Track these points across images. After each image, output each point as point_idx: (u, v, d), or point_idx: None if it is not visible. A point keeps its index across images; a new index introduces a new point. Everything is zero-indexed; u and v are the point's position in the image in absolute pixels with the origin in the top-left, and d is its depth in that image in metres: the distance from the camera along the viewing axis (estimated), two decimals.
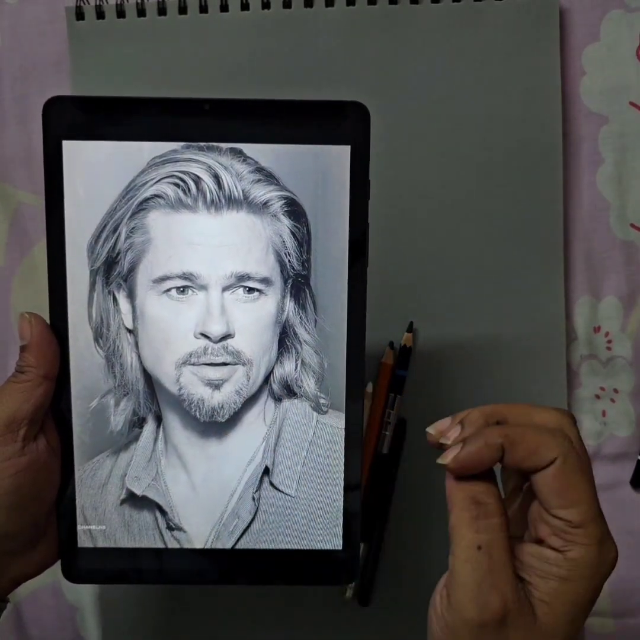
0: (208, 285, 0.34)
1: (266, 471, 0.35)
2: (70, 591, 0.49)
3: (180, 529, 0.36)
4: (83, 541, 0.35)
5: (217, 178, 0.34)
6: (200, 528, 0.36)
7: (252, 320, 0.35)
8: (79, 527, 0.35)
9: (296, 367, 0.35)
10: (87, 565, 0.36)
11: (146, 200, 0.34)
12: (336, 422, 0.35)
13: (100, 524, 0.36)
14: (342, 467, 0.36)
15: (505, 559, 0.29)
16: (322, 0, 0.46)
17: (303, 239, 0.34)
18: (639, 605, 0.49)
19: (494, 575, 0.29)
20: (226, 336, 0.34)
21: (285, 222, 0.34)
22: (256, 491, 0.36)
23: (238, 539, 0.36)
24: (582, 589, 0.29)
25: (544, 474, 0.30)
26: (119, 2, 0.46)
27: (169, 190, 0.34)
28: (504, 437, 0.30)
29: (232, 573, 0.36)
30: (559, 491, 0.29)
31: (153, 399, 0.36)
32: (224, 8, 0.46)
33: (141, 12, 0.46)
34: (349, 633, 0.48)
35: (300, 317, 0.35)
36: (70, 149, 0.33)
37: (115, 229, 0.34)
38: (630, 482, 0.49)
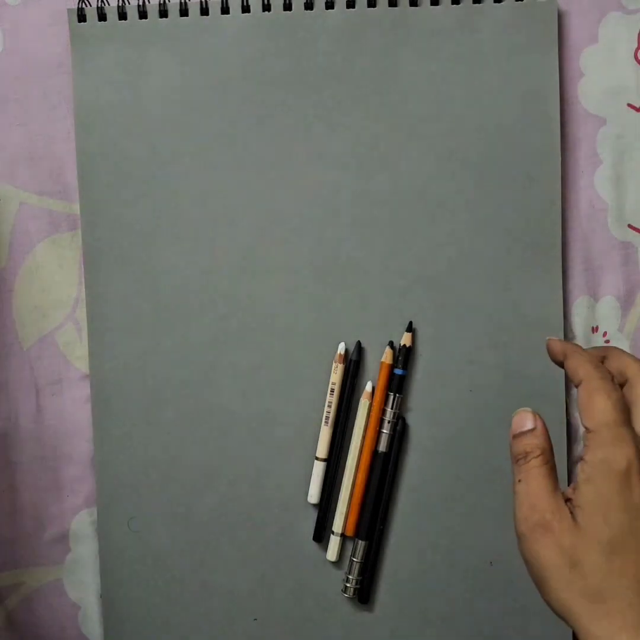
0: None
1: None
2: (72, 589, 0.49)
3: None
4: None
5: None
6: None
7: None
8: None
9: None
10: None
11: None
12: None
13: None
14: None
15: (542, 484, 0.36)
16: (322, 2, 0.47)
17: None
18: None
19: (531, 497, 0.36)
20: None
21: None
22: None
23: None
24: (604, 488, 0.34)
25: (578, 391, 0.36)
26: (120, 4, 0.46)
27: None
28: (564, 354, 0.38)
29: None
30: (582, 405, 0.36)
31: None
32: (225, 10, 0.46)
33: (142, 14, 0.46)
34: (349, 633, 0.48)
35: None
36: None
37: None
38: None
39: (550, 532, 0.35)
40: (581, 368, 0.37)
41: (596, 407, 0.36)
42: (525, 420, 0.38)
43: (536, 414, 0.38)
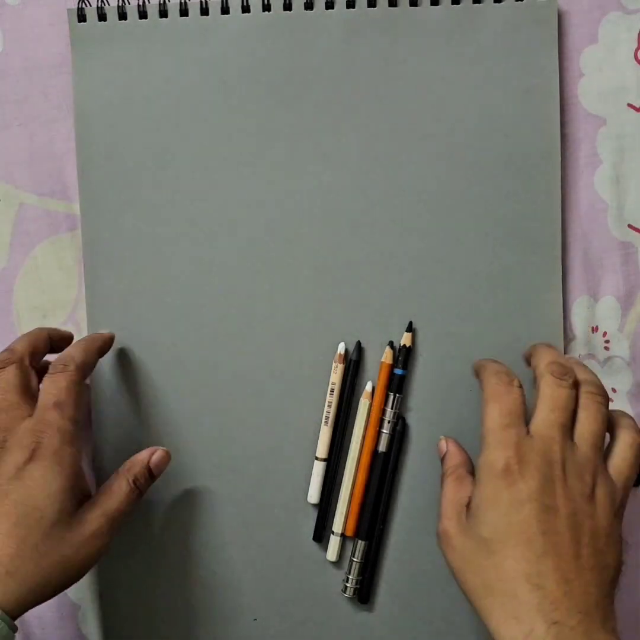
0: None
1: None
2: (72, 589, 0.49)
3: None
4: None
5: None
6: None
7: None
8: None
9: None
10: None
11: None
12: None
13: None
14: None
15: (448, 496, 0.41)
16: (322, 2, 0.47)
17: None
18: (638, 605, 0.49)
19: (441, 509, 0.41)
20: None
21: None
22: None
23: None
24: (487, 489, 0.38)
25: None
26: (120, 4, 0.46)
27: None
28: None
29: None
30: (482, 410, 0.40)
31: None
32: (225, 10, 0.46)
33: (143, 14, 0.46)
34: (349, 633, 0.48)
35: None
36: None
37: None
38: None
39: (448, 537, 0.39)
40: (484, 378, 0.41)
41: (486, 413, 0.39)
42: (441, 447, 0.45)
43: (448, 438, 0.45)
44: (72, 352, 0.42)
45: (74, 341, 0.45)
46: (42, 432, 0.38)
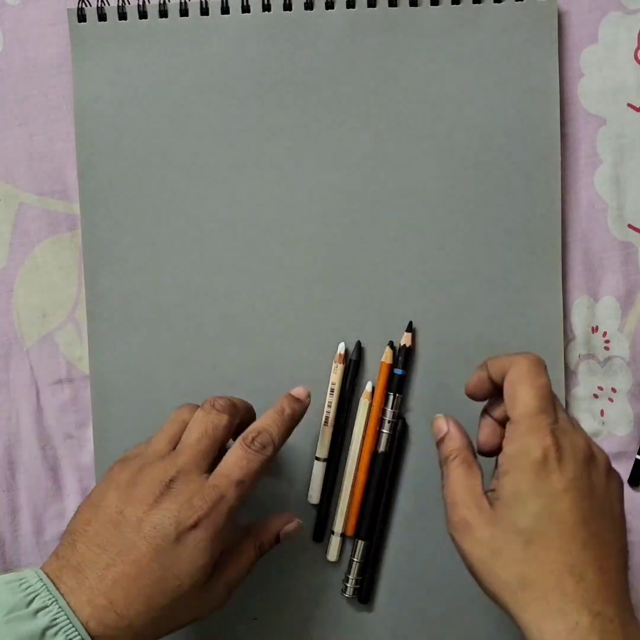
0: None
1: None
2: None
3: None
4: None
5: None
6: None
7: None
8: None
9: None
10: None
11: None
12: None
13: None
14: None
15: (460, 483, 0.38)
16: (322, 2, 0.47)
17: None
18: (638, 604, 0.49)
19: (451, 497, 0.38)
20: None
21: None
22: None
23: None
24: (519, 479, 0.35)
25: (505, 385, 0.38)
26: (120, 4, 0.46)
27: None
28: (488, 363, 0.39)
29: None
30: (508, 395, 0.37)
31: None
32: (225, 10, 0.46)
33: (142, 14, 0.46)
34: (349, 632, 0.48)
35: None
36: None
37: None
38: (628, 481, 0.49)
39: (469, 528, 0.36)
40: (514, 361, 0.38)
41: (517, 397, 0.37)
42: (440, 426, 0.40)
43: (449, 417, 0.40)
44: (273, 432, 0.39)
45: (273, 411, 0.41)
46: (215, 503, 0.36)
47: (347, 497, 0.47)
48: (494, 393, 0.39)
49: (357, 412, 0.47)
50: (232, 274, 0.47)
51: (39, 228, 0.48)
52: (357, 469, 0.47)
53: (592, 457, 0.37)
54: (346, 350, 0.47)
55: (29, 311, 0.48)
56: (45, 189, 0.48)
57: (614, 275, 0.49)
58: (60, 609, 0.33)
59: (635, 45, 0.48)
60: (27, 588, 0.34)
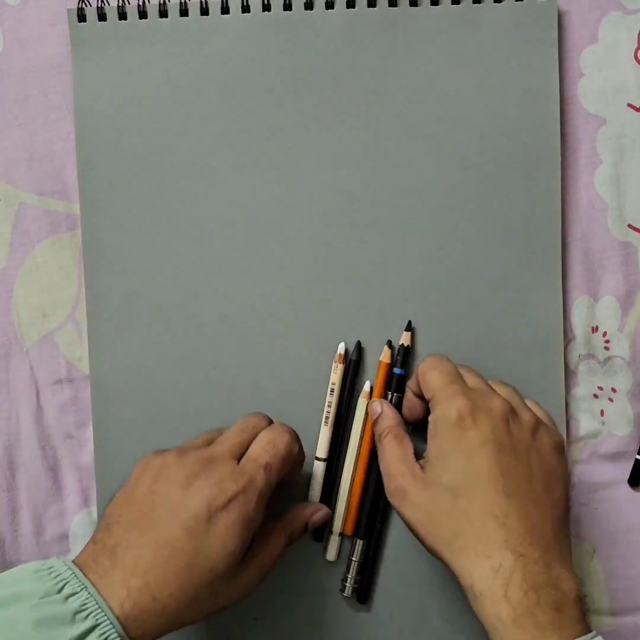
0: None
1: None
2: None
3: None
4: None
5: None
6: None
7: None
8: None
9: None
10: None
11: None
12: None
13: None
14: None
15: (393, 454, 0.42)
16: (322, 2, 0.47)
17: None
18: (638, 604, 0.49)
19: (387, 469, 0.41)
20: None
21: None
22: None
23: None
24: (440, 440, 0.39)
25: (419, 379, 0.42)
26: (120, 4, 0.47)
27: None
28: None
29: None
30: (422, 384, 0.42)
31: None
32: (225, 10, 0.46)
33: (142, 14, 0.46)
34: (348, 632, 0.48)
35: None
36: None
37: None
38: (628, 481, 0.49)
39: (405, 494, 0.40)
40: (419, 368, 0.43)
41: (427, 380, 0.41)
42: (375, 408, 0.45)
43: (382, 400, 0.45)
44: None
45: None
46: (245, 487, 0.38)
47: (346, 496, 0.47)
48: (426, 409, 0.43)
49: (356, 412, 0.47)
50: (232, 274, 0.47)
51: (39, 228, 0.48)
52: (355, 469, 0.47)
53: (513, 416, 0.40)
54: (346, 350, 0.47)
55: (29, 311, 0.48)
56: (45, 189, 0.48)
57: (614, 275, 0.49)
58: (89, 595, 0.34)
59: (635, 45, 0.48)
60: (56, 576, 0.35)
